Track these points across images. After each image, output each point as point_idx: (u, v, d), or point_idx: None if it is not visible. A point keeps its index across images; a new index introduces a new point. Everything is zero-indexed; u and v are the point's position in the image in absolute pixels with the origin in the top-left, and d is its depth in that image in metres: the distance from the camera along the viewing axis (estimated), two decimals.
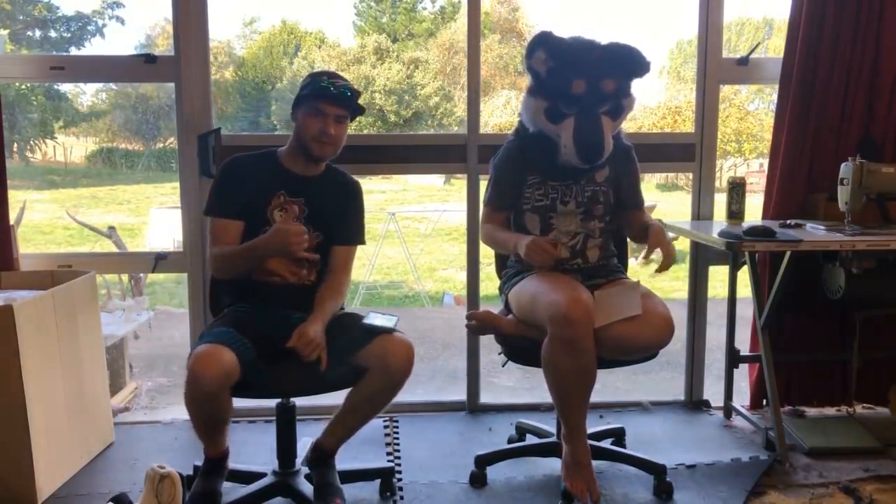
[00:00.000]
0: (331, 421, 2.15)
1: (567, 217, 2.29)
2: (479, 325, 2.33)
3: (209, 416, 2.00)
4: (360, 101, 2.18)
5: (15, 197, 2.76)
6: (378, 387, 2.01)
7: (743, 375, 3.01)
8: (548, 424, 2.54)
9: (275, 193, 2.17)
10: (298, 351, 1.96)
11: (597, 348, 2.05)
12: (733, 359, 2.89)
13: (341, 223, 2.23)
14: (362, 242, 2.29)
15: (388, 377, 1.98)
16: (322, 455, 2.14)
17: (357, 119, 2.26)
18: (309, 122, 2.12)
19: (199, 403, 1.93)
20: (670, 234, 2.40)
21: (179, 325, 4.37)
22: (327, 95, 2.10)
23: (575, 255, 2.29)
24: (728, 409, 2.91)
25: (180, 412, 2.68)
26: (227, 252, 2.11)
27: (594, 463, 2.16)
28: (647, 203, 2.52)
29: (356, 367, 2.02)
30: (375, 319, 2.08)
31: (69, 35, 12.69)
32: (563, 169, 2.25)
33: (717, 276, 3.05)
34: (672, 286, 7.24)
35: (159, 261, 2.83)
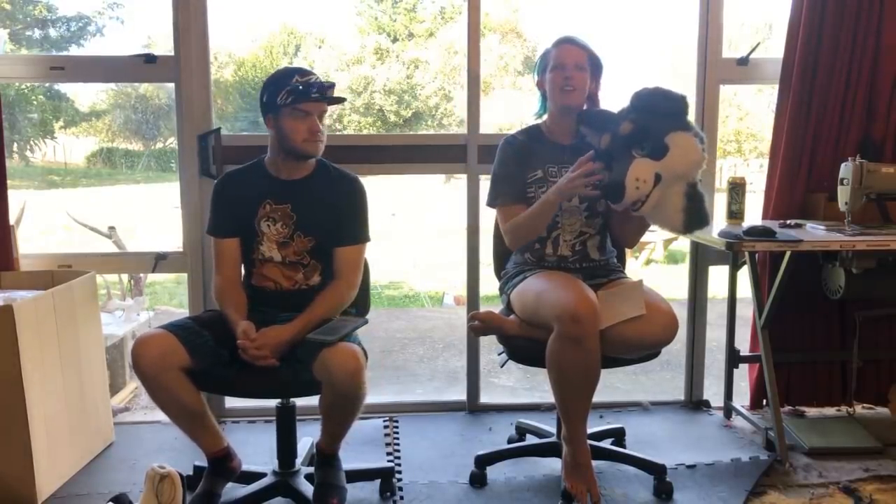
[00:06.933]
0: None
1: (572, 215, 2.29)
2: (482, 325, 2.31)
3: (172, 406, 2.03)
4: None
5: (15, 197, 2.75)
6: (332, 399, 1.97)
7: (743, 375, 3.01)
8: (548, 424, 2.54)
9: (262, 203, 2.17)
10: (242, 349, 1.99)
11: (602, 346, 2.05)
12: (733, 359, 2.89)
13: (338, 223, 2.17)
14: (364, 241, 2.21)
15: (334, 390, 1.93)
16: (324, 455, 2.14)
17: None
18: (295, 126, 2.09)
19: (150, 390, 2.00)
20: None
21: None
22: (310, 96, 2.08)
23: (576, 255, 2.30)
24: (728, 409, 2.91)
25: None
26: (219, 304, 2.17)
27: (594, 463, 2.16)
28: None
29: (315, 378, 1.98)
30: (327, 331, 2.00)
31: (69, 35, 12.69)
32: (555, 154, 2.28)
33: (718, 276, 3.05)
34: (672, 286, 7.23)
35: (159, 261, 2.83)
